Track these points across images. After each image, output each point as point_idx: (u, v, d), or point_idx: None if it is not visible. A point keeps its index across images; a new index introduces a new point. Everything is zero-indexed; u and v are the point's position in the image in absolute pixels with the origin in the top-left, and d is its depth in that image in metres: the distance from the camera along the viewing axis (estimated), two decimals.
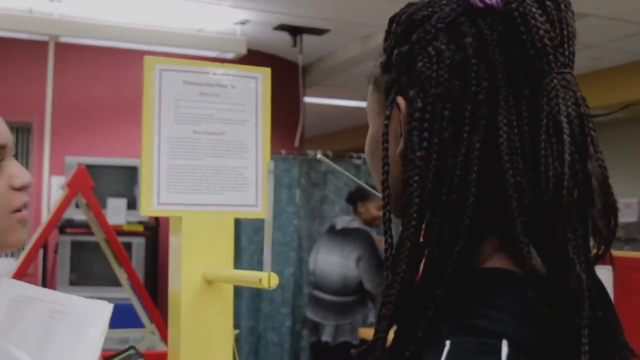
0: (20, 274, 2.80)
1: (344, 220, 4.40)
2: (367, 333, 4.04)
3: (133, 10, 4.92)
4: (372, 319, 4.20)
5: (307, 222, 5.30)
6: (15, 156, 1.09)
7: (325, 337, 4.13)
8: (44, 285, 4.65)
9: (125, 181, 5.10)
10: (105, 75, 5.68)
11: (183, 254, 1.32)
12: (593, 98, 4.71)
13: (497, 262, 0.69)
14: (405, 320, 0.69)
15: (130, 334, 3.32)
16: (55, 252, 4.91)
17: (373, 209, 4.25)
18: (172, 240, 1.39)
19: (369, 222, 4.30)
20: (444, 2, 0.73)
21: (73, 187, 2.99)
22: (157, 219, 4.88)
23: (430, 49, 0.71)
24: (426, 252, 0.70)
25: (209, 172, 1.36)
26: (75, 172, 3.01)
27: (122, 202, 4.80)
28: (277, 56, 5.99)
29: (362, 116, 0.90)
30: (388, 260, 0.71)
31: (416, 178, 0.69)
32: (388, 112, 0.75)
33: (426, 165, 0.69)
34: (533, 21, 0.66)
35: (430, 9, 0.74)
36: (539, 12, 0.67)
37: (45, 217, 4.25)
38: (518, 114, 0.67)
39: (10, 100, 5.33)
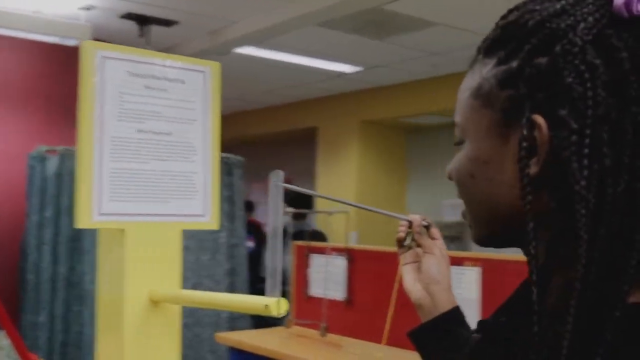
0: None
1: None
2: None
3: None
4: None
5: None
6: None
7: None
8: None
9: None
10: None
11: (126, 271, 1.15)
12: (429, 104, 4.85)
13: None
14: None
15: None
16: None
17: None
18: (106, 255, 1.20)
19: None
20: (584, 9, 0.65)
21: None
22: None
23: (578, 62, 0.63)
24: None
25: (155, 178, 1.19)
26: None
27: None
28: (122, 46, 5.65)
29: None
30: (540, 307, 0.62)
31: (583, 212, 0.61)
32: (526, 133, 0.65)
33: (588, 195, 0.61)
34: None
35: (572, 17, 0.65)
36: None
37: None
38: None
39: None
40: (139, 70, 1.18)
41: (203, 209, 1.24)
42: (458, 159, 0.76)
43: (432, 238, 1.16)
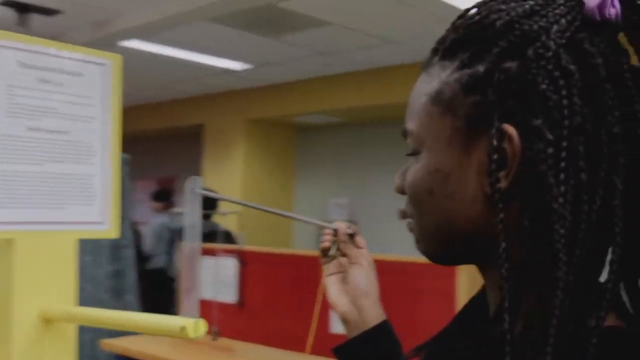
0: None
1: None
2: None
3: None
4: None
5: None
6: None
7: None
8: None
9: None
10: None
11: (15, 287, 1.02)
12: (319, 103, 4.88)
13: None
14: None
15: None
16: None
17: None
18: None
19: None
20: (556, 10, 0.60)
21: None
22: None
23: (552, 68, 0.58)
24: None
25: (48, 181, 1.07)
26: None
27: None
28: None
29: None
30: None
31: (562, 231, 0.56)
32: (496, 143, 0.59)
33: (566, 213, 0.56)
34: None
35: (544, 19, 0.60)
36: None
37: None
38: None
39: None
40: (33, 61, 1.06)
41: (102, 216, 1.13)
42: (414, 172, 0.69)
43: (357, 247, 1.09)
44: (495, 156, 0.60)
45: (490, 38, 0.62)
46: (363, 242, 1.10)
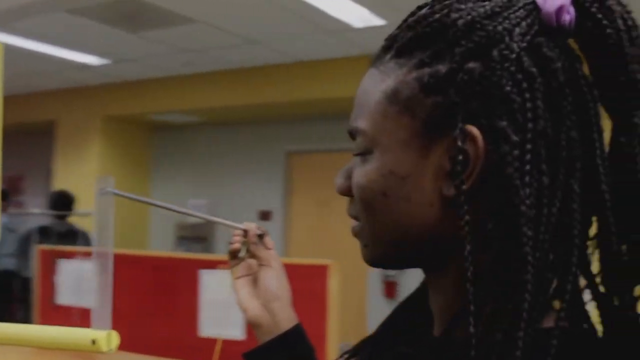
0: None
1: None
2: None
3: None
4: None
5: None
6: None
7: None
8: None
9: None
10: None
11: None
12: (178, 101, 4.83)
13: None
14: None
15: None
16: None
17: None
18: None
19: None
20: (516, 13, 0.60)
21: None
22: None
23: (515, 70, 0.58)
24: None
25: None
26: None
27: None
28: None
29: None
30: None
31: (530, 234, 0.56)
32: (460, 145, 0.58)
33: (532, 215, 0.56)
34: (627, 49, 0.59)
35: (507, 21, 0.60)
36: (627, 33, 0.60)
37: None
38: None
39: None
40: None
41: None
42: (365, 174, 0.66)
43: (267, 248, 1.05)
44: (461, 157, 0.59)
45: (452, 37, 0.61)
46: (272, 243, 1.06)
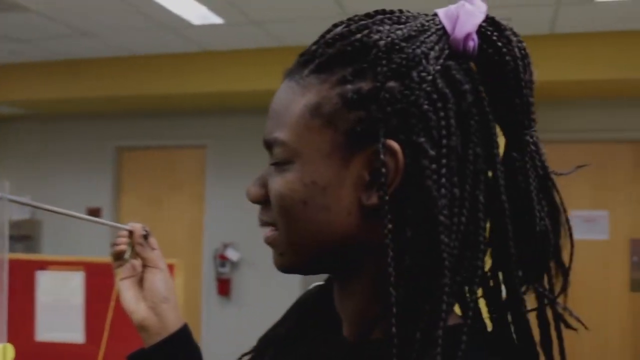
0: None
1: None
2: None
3: None
4: None
5: None
6: None
7: None
8: None
9: None
10: None
11: None
12: (3, 92, 4.62)
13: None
14: None
15: None
16: None
17: None
18: None
19: None
20: (430, 37, 0.66)
21: None
22: None
23: (431, 91, 0.64)
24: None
25: None
26: None
27: None
28: None
29: None
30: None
31: (447, 240, 0.62)
32: (383, 158, 0.63)
33: (449, 223, 0.63)
34: (522, 74, 0.67)
35: (423, 45, 0.65)
36: (522, 61, 0.67)
37: None
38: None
39: None
40: None
41: None
42: (284, 183, 0.69)
43: (152, 248, 1.03)
44: (384, 170, 0.63)
45: (374, 57, 0.65)
46: (156, 243, 1.05)
